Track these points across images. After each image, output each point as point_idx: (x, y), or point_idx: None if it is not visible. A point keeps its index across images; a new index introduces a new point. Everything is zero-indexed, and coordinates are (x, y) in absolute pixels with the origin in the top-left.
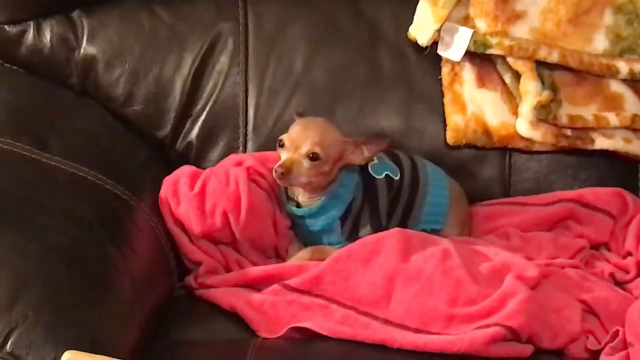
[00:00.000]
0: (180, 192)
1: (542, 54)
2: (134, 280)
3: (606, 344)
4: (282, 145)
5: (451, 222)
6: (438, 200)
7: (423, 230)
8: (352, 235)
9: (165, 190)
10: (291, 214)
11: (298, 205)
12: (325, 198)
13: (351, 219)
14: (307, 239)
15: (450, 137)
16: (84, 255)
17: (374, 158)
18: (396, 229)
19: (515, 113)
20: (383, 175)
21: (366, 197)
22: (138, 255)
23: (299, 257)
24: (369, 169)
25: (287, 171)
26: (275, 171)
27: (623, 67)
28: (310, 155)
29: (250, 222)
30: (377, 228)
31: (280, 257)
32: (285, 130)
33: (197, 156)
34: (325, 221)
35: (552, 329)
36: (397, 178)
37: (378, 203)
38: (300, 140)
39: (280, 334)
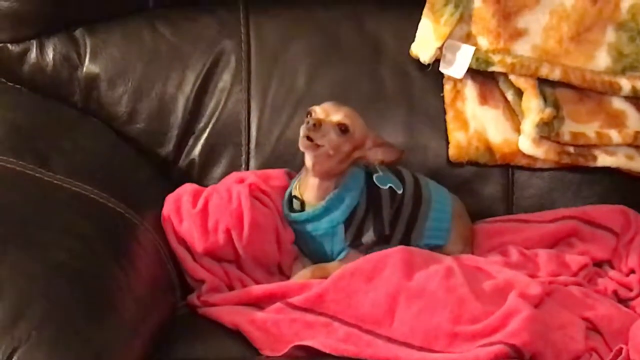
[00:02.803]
0: (183, 210)
1: (544, 71)
2: (136, 298)
3: None
4: (311, 115)
5: (454, 238)
6: (441, 216)
7: (426, 245)
8: (355, 241)
9: (167, 208)
10: (294, 226)
11: (302, 209)
12: (329, 199)
13: (355, 224)
14: (310, 248)
15: (452, 155)
16: (87, 274)
17: (379, 170)
18: (399, 247)
19: (518, 130)
20: (387, 186)
21: (370, 204)
22: (141, 273)
23: (301, 275)
24: (374, 179)
25: (318, 124)
26: (307, 122)
27: (625, 84)
28: (341, 126)
29: (253, 238)
30: (380, 235)
31: (283, 273)
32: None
33: (199, 174)
34: (329, 224)
35: (556, 347)
36: (400, 192)
37: (382, 210)
38: (332, 110)
39: (283, 352)
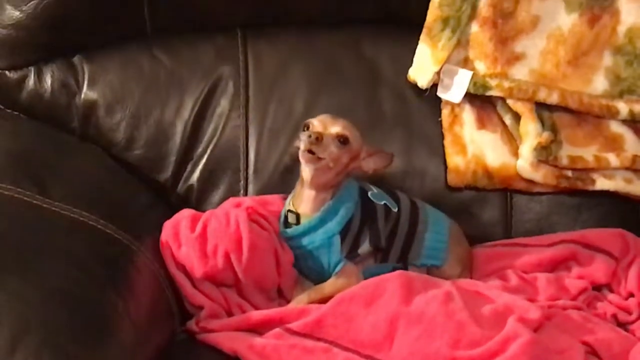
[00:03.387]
0: (181, 235)
1: (542, 95)
2: (135, 325)
3: None
4: (307, 129)
5: (452, 262)
6: (438, 237)
7: (423, 265)
8: (352, 252)
9: (166, 234)
10: (290, 242)
11: (297, 222)
12: (324, 209)
13: (351, 235)
14: (309, 265)
15: (451, 179)
16: (85, 300)
17: (373, 188)
18: (398, 271)
19: (516, 154)
20: (382, 203)
21: (365, 216)
22: (139, 299)
23: (298, 300)
24: (369, 195)
25: (320, 137)
26: (309, 136)
27: (623, 108)
28: (340, 138)
29: (253, 261)
30: (376, 245)
31: (283, 297)
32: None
33: (198, 199)
34: (325, 235)
35: None
36: (395, 210)
37: (377, 222)
38: (330, 122)
39: None
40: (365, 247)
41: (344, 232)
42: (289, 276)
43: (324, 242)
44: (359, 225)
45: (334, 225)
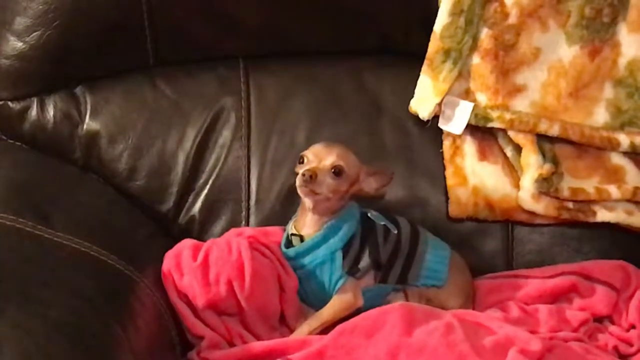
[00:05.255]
0: (184, 264)
1: (543, 127)
2: (136, 356)
3: None
4: (302, 162)
5: (453, 291)
6: (438, 258)
7: (424, 285)
8: (353, 268)
9: (167, 264)
10: (293, 263)
11: (301, 241)
12: (327, 227)
13: (352, 253)
14: (312, 286)
15: (452, 211)
16: (87, 331)
17: (373, 211)
18: (399, 302)
19: (517, 186)
20: (382, 223)
21: (365, 234)
22: (140, 330)
23: (299, 332)
24: (369, 215)
25: (314, 175)
26: (303, 175)
27: (624, 139)
28: (334, 169)
29: (255, 288)
30: (376, 259)
31: (286, 325)
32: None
33: (199, 230)
34: (327, 250)
35: None
36: (395, 232)
37: (376, 239)
38: (324, 154)
39: None
40: (365, 261)
41: (345, 249)
42: (292, 303)
43: (326, 257)
44: (359, 242)
45: (336, 241)
